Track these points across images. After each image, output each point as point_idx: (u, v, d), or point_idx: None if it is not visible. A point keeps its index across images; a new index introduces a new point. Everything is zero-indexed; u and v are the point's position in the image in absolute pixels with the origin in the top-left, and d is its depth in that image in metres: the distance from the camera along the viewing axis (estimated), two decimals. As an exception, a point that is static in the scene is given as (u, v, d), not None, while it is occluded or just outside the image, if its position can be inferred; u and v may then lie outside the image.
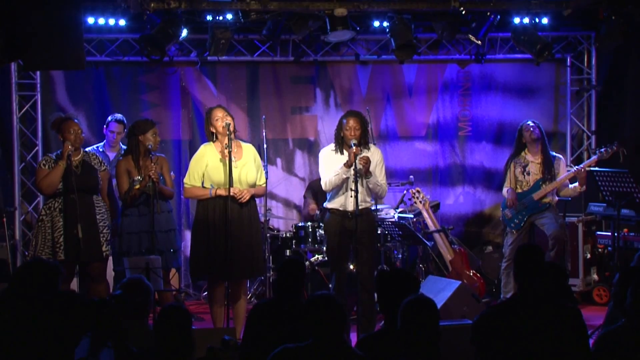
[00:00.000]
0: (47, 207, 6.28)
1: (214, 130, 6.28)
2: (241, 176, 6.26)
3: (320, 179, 6.67)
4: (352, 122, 6.45)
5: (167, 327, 3.79)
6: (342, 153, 6.51)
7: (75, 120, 6.42)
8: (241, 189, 6.21)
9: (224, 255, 6.11)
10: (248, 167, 6.32)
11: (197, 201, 6.40)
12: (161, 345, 3.77)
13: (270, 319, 4.49)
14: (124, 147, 7.61)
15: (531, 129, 7.46)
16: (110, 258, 6.60)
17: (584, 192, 7.61)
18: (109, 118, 7.72)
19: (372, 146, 6.62)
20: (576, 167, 7.50)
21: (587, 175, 7.33)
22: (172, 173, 6.94)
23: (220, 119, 6.25)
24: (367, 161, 6.33)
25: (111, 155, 7.66)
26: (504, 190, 7.62)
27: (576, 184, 7.45)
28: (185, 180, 6.39)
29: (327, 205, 6.64)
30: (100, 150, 7.63)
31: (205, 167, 6.28)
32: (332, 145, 6.62)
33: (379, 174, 6.53)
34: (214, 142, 6.35)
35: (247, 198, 6.22)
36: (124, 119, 7.68)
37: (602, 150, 7.38)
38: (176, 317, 3.83)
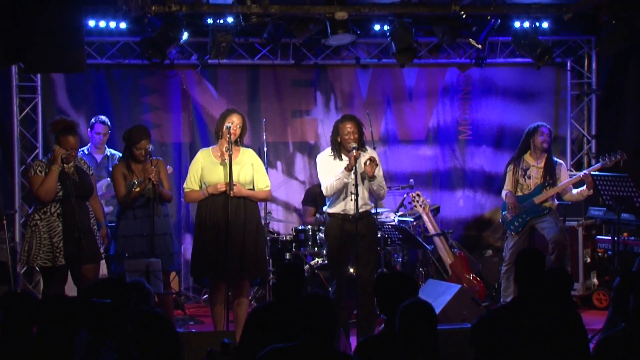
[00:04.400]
0: (43, 212, 6.19)
1: (221, 132, 6.33)
2: (239, 175, 6.30)
3: (317, 185, 6.67)
4: (349, 126, 6.47)
5: (146, 334, 3.66)
6: (340, 158, 6.51)
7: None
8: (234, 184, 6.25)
9: (224, 256, 6.13)
10: (244, 168, 6.37)
11: (197, 204, 6.44)
12: (143, 353, 3.66)
13: (268, 322, 4.48)
14: (109, 150, 7.60)
15: (546, 137, 7.43)
16: (103, 261, 6.60)
17: (590, 195, 7.60)
18: (93, 120, 7.67)
19: (368, 149, 6.63)
20: (583, 171, 7.48)
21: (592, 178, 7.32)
22: (168, 167, 6.98)
23: (234, 124, 6.29)
24: (375, 162, 6.34)
25: (98, 157, 7.66)
26: (503, 193, 7.61)
27: (582, 188, 7.42)
28: (185, 184, 6.49)
29: (328, 210, 6.63)
30: (87, 152, 7.61)
31: (201, 170, 6.35)
32: (329, 150, 6.63)
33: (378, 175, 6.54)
34: (215, 145, 6.43)
35: (238, 193, 6.23)
36: (107, 120, 7.65)
37: (606, 159, 7.35)
38: (152, 324, 3.67)
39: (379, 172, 6.53)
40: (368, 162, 6.36)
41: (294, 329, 3.96)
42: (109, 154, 7.60)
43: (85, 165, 6.47)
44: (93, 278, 6.32)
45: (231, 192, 6.19)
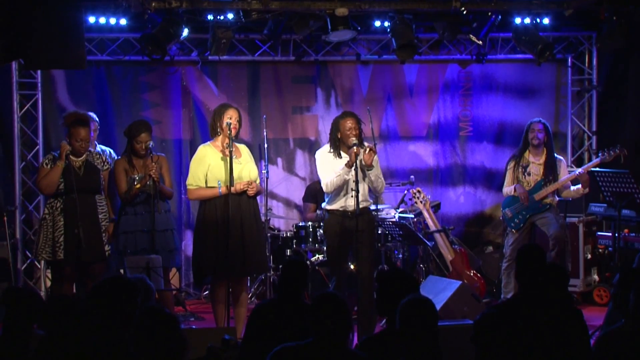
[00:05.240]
0: (50, 206, 6.29)
1: (219, 128, 6.30)
2: (243, 172, 6.30)
3: (318, 181, 6.65)
4: (349, 123, 6.46)
5: (153, 332, 3.54)
6: (340, 156, 6.49)
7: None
8: (250, 181, 6.28)
9: (232, 253, 6.12)
10: (249, 165, 6.38)
11: (201, 201, 6.39)
12: (145, 351, 3.60)
13: (271, 319, 4.49)
14: (100, 146, 7.59)
15: (536, 132, 7.44)
16: None
17: (586, 194, 7.61)
18: None
19: (366, 144, 6.62)
20: (579, 170, 7.48)
21: (588, 176, 7.33)
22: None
23: (233, 119, 6.30)
24: (373, 151, 6.34)
25: None
26: (508, 189, 7.58)
27: (578, 186, 7.43)
28: (189, 181, 6.37)
29: (327, 206, 6.62)
30: None
31: (208, 167, 6.29)
32: (328, 147, 6.61)
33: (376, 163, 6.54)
34: (212, 141, 6.39)
35: (256, 191, 6.28)
36: (96, 116, 7.62)
37: (605, 154, 7.35)
38: (160, 322, 3.55)
39: (377, 166, 6.53)
40: (367, 150, 6.35)
41: (298, 326, 3.95)
42: (99, 150, 7.59)
43: (98, 160, 6.47)
44: (99, 276, 6.32)
45: (250, 190, 6.21)
